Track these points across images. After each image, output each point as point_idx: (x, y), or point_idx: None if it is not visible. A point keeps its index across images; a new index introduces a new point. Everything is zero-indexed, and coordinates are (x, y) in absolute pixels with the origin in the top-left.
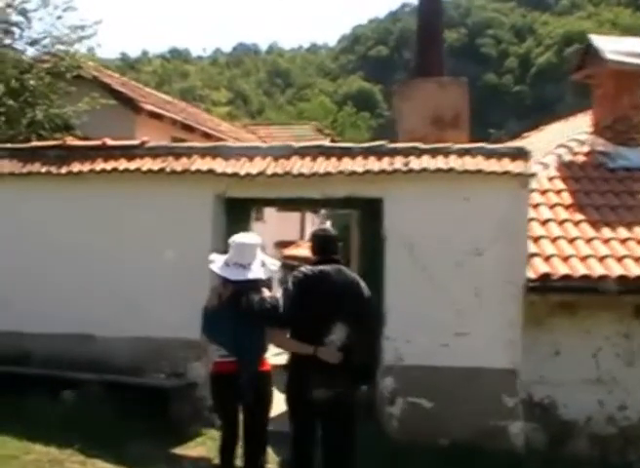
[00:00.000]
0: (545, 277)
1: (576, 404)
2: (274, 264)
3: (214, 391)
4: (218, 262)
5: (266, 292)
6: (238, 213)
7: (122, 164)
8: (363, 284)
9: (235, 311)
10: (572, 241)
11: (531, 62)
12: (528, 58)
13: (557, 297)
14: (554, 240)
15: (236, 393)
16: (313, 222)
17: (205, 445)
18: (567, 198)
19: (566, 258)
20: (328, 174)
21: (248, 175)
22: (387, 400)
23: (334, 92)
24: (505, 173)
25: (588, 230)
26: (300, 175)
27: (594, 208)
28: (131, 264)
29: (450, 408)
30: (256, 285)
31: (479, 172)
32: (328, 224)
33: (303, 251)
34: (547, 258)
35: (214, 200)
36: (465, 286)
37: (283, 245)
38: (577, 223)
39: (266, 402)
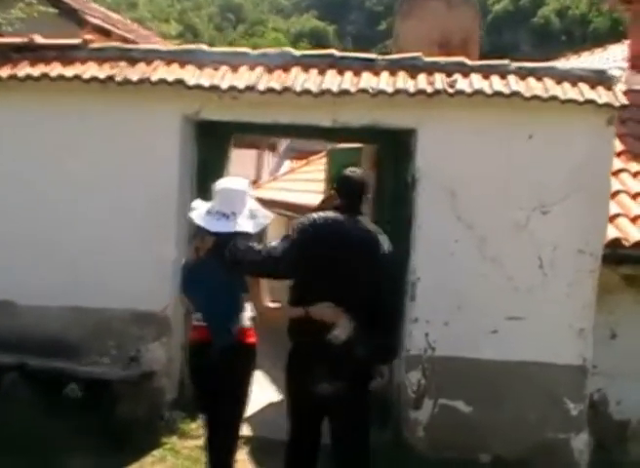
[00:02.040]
0: (615, 243)
1: (631, 400)
2: (267, 216)
3: (188, 366)
4: (199, 210)
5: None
6: (215, 142)
7: (56, 69)
8: (386, 243)
9: (215, 267)
10: (635, 197)
11: (487, 9)
12: (485, 6)
13: (629, 270)
14: (613, 195)
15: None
16: (271, 161)
17: (165, 461)
18: (615, 144)
19: (635, 219)
20: (344, 92)
21: (232, 89)
22: (412, 401)
23: (287, 30)
24: (588, 102)
25: None
26: (306, 92)
27: None
28: (65, 205)
29: (494, 414)
30: (240, 239)
31: (552, 99)
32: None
33: (264, 191)
34: (611, 219)
35: (182, 123)
36: (525, 254)
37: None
38: (635, 174)
39: (241, 388)
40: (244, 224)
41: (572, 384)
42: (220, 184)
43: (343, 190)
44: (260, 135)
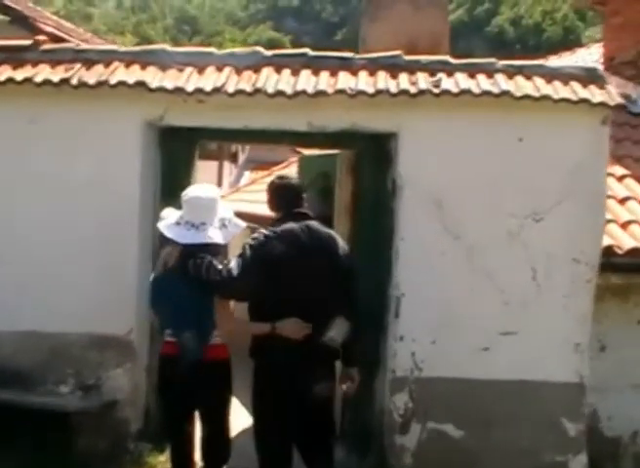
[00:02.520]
0: (608, 251)
1: (622, 415)
2: (238, 225)
3: (157, 382)
4: (168, 220)
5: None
6: (181, 149)
7: (5, 72)
8: (341, 241)
9: (182, 279)
10: (623, 202)
11: None
12: None
13: (619, 279)
14: None
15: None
16: (231, 172)
17: None
18: None
19: (625, 225)
20: (321, 94)
21: (198, 91)
22: (398, 426)
23: (243, 40)
24: (582, 101)
25: (638, 187)
26: (279, 93)
27: (634, 160)
28: (13, 219)
29: (487, 437)
30: (209, 250)
31: (544, 98)
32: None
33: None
34: None
35: (144, 129)
36: (517, 265)
37: None
38: (620, 178)
39: (216, 407)
40: (214, 235)
41: (569, 403)
42: (189, 193)
43: (284, 199)
44: (228, 141)
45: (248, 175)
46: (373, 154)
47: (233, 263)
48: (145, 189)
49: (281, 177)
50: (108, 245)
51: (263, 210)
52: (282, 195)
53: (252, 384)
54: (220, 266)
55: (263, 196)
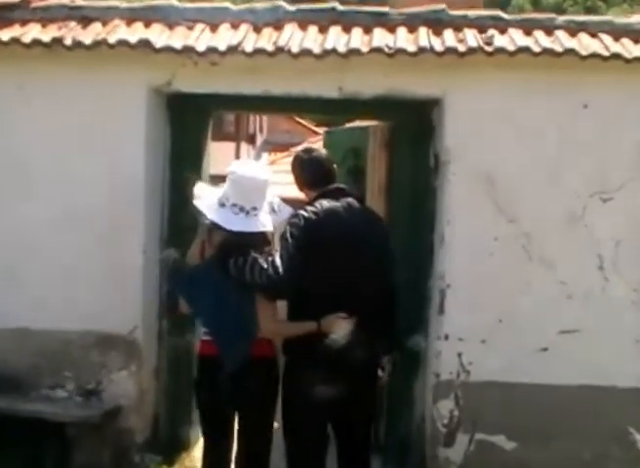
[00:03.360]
0: None
1: None
2: (287, 210)
3: (195, 383)
4: (207, 199)
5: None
6: (192, 120)
7: None
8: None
9: (221, 273)
10: None
11: None
12: None
13: None
14: None
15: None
16: (249, 154)
17: None
18: None
19: None
20: (354, 53)
21: (211, 51)
22: (442, 437)
23: None
24: None
25: None
26: (305, 53)
27: None
28: (7, 202)
29: (543, 450)
30: (257, 240)
31: (615, 57)
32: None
33: None
34: None
35: (150, 97)
36: (581, 252)
37: (218, 179)
38: None
39: (264, 413)
40: (267, 222)
41: (638, 411)
42: (240, 171)
43: (316, 174)
44: (246, 110)
45: (266, 157)
46: (412, 125)
47: (277, 259)
48: (152, 168)
49: (308, 150)
50: (109, 233)
51: (290, 191)
52: (313, 170)
53: (286, 392)
54: (265, 265)
55: (284, 177)
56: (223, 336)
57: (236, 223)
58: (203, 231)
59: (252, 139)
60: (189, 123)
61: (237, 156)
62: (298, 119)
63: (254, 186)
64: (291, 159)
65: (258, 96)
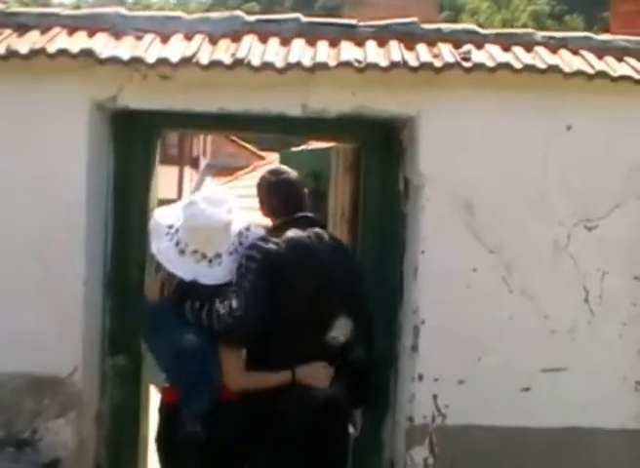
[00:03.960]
0: None
1: None
2: (255, 235)
3: (157, 437)
4: (163, 242)
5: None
6: (139, 140)
7: None
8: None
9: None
10: None
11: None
12: None
13: None
14: None
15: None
16: (192, 178)
17: None
18: None
19: None
20: (320, 67)
21: (162, 63)
22: None
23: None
24: None
25: None
26: (266, 66)
27: None
28: None
29: None
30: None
31: (601, 75)
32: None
33: None
34: None
35: (92, 113)
36: (565, 284)
37: (160, 204)
38: None
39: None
40: (231, 267)
41: (628, 454)
42: (196, 214)
43: (283, 200)
44: (199, 130)
45: (209, 182)
46: (380, 147)
47: (234, 301)
48: (94, 192)
49: (276, 172)
50: (47, 263)
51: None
52: (280, 195)
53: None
54: (221, 310)
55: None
56: (182, 385)
57: (197, 273)
58: (162, 272)
59: (195, 163)
60: (136, 142)
61: (180, 180)
62: (242, 142)
63: (214, 232)
64: (256, 181)
65: (213, 113)
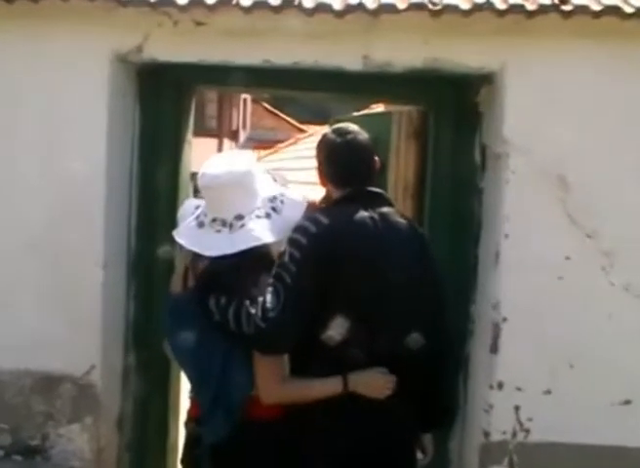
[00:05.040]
0: None
1: None
2: (295, 203)
3: (181, 460)
4: (186, 218)
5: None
6: (168, 97)
7: None
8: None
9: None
10: None
11: None
12: None
13: None
14: None
15: None
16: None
17: None
18: None
19: None
20: (386, 9)
21: (196, 4)
22: None
23: None
24: None
25: None
26: (322, 8)
27: None
28: None
29: None
30: (254, 261)
31: None
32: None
33: None
34: None
35: (113, 67)
36: None
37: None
38: None
39: None
40: (260, 232)
41: None
42: (207, 171)
43: (348, 167)
44: (239, 87)
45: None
46: (454, 109)
47: (269, 297)
48: (116, 161)
49: (341, 131)
50: (60, 242)
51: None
52: (344, 160)
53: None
54: (252, 309)
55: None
56: (202, 398)
57: (216, 245)
58: (185, 256)
59: (234, 136)
60: (166, 102)
61: (220, 152)
62: (282, 115)
63: (229, 186)
64: (317, 140)
65: (256, 67)
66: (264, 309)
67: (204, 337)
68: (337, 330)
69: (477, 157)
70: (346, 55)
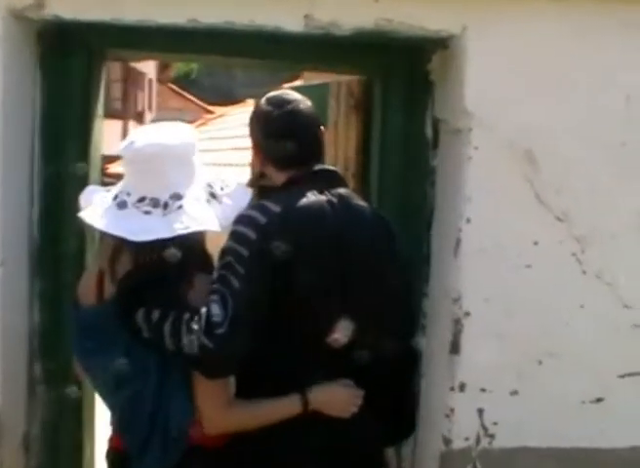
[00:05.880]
0: None
1: None
2: (241, 194)
3: None
4: (98, 202)
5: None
6: (75, 64)
7: None
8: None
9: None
10: None
11: None
12: None
13: None
14: None
15: None
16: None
17: None
18: None
19: None
20: None
21: None
22: None
23: None
24: None
25: None
26: None
27: None
28: None
29: None
30: (192, 259)
31: None
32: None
33: None
34: None
35: (8, 26)
36: None
37: (105, 160)
38: None
39: None
40: (200, 214)
41: None
42: (140, 141)
43: (297, 144)
44: (158, 53)
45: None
46: (402, 78)
47: (214, 307)
48: (11, 136)
49: (278, 101)
50: None
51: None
52: (286, 135)
53: None
54: (195, 325)
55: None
56: (134, 428)
57: (150, 228)
58: (103, 251)
59: (140, 117)
60: (72, 69)
61: (124, 136)
62: (189, 96)
63: (165, 157)
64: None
65: (180, 28)
66: (210, 324)
67: (131, 358)
68: (342, 331)
69: (429, 132)
70: (286, 13)
